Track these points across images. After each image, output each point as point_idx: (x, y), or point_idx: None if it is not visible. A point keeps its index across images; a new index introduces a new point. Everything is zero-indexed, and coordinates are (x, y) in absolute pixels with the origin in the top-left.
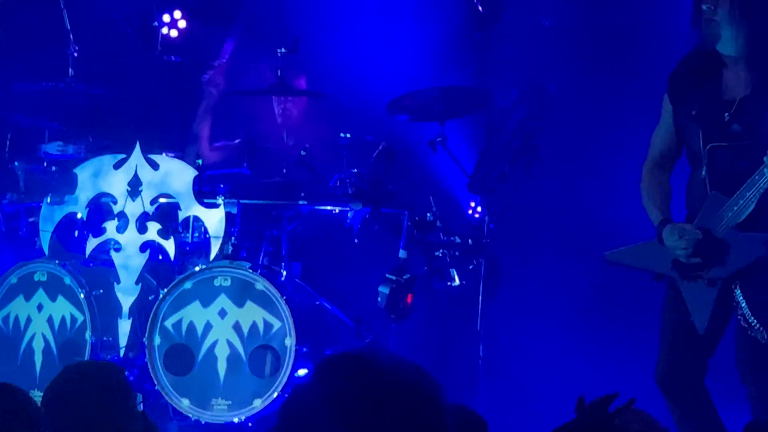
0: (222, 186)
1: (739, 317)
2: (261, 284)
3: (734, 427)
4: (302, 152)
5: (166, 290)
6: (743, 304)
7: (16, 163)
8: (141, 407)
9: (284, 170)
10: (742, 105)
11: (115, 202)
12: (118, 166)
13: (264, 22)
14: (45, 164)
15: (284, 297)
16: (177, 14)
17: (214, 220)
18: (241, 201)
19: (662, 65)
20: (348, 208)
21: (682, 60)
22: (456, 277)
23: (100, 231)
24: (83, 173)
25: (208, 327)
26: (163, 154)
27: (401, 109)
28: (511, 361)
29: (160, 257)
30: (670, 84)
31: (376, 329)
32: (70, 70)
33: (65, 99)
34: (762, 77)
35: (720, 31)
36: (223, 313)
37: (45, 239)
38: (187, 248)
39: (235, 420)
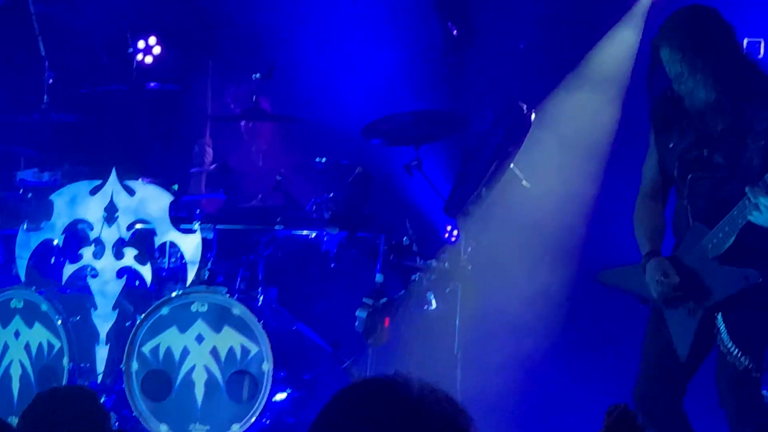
0: (198, 211)
1: (719, 343)
2: (238, 309)
3: None
4: (278, 177)
5: (143, 316)
6: (723, 332)
7: None
8: (116, 426)
9: (260, 195)
10: (723, 137)
11: (92, 229)
12: (94, 192)
13: (239, 47)
14: (21, 191)
15: (261, 322)
16: (152, 40)
17: (190, 245)
18: (217, 226)
19: (636, 88)
20: (324, 233)
21: (662, 91)
22: (433, 301)
23: (76, 257)
24: (59, 200)
25: (185, 352)
26: (139, 180)
27: (376, 134)
28: (488, 384)
29: (137, 283)
30: (652, 114)
31: (353, 353)
32: (45, 96)
33: (41, 126)
34: (739, 110)
35: (692, 86)
36: (200, 339)
37: (21, 266)
38: (164, 274)
39: None
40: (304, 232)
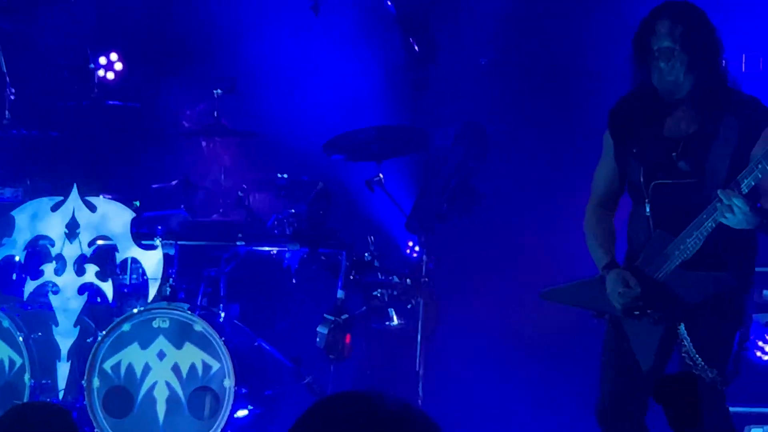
0: (159, 227)
1: (683, 354)
2: (199, 325)
3: None
4: (239, 193)
5: (104, 332)
6: (687, 343)
7: None
8: None
9: (221, 210)
10: (689, 143)
11: (53, 245)
12: (55, 208)
13: (201, 63)
14: None
15: (223, 338)
16: (113, 56)
17: (152, 261)
18: (178, 242)
19: (600, 102)
20: (286, 249)
21: (623, 97)
22: (394, 317)
23: (38, 274)
24: (21, 216)
25: (147, 369)
26: (101, 196)
27: (337, 149)
28: (450, 401)
29: (99, 299)
30: (611, 121)
31: (314, 369)
32: (6, 112)
33: (2, 142)
34: (708, 115)
35: (678, 66)
36: (161, 355)
37: None
38: (126, 290)
39: None
40: (266, 248)
